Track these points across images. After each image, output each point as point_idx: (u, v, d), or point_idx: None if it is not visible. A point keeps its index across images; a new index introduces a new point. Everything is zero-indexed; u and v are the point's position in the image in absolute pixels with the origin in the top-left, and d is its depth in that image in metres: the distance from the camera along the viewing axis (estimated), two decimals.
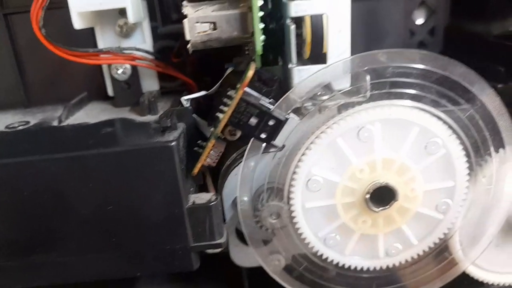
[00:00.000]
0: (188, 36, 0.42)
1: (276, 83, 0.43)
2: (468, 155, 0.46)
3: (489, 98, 0.44)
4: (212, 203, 0.46)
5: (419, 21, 0.61)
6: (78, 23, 0.49)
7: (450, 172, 0.46)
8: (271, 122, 0.42)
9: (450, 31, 0.63)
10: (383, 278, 0.51)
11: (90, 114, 0.55)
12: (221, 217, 0.47)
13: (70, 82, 0.62)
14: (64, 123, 0.52)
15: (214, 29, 0.42)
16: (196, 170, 0.45)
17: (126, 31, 0.54)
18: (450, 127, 0.45)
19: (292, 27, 0.41)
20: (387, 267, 0.50)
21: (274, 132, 0.43)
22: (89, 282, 0.61)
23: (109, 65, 0.55)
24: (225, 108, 0.42)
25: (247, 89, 0.42)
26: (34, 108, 0.60)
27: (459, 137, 0.45)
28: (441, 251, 0.50)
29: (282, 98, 0.43)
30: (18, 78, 0.60)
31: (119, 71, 0.55)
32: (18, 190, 0.44)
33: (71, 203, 0.44)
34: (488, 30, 0.58)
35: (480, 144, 0.46)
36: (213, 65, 0.56)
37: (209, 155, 0.45)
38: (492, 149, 0.46)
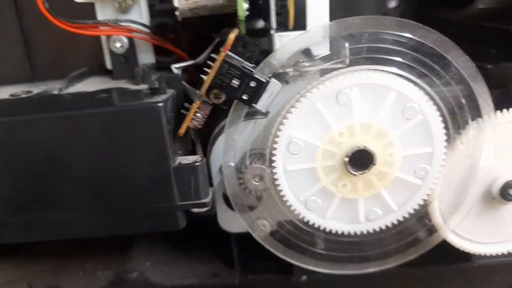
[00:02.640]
0: (176, 3, 0.45)
1: (258, 49, 0.45)
2: (445, 121, 0.48)
3: (464, 65, 0.46)
4: (198, 163, 0.48)
5: (391, 4, 0.64)
6: None
7: (428, 138, 0.48)
8: (252, 84, 0.45)
9: (419, 13, 0.66)
10: (364, 243, 0.53)
11: (90, 85, 0.58)
12: (207, 178, 0.50)
13: (75, 59, 0.65)
14: (64, 92, 0.55)
15: None
16: (182, 130, 0.47)
17: (125, 7, 0.57)
18: (427, 93, 0.47)
19: None
20: (368, 232, 0.52)
21: (255, 93, 0.45)
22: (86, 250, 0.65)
23: (108, 39, 0.58)
24: (209, 70, 0.45)
25: (230, 53, 0.44)
26: (39, 82, 0.63)
27: (435, 103, 0.47)
28: (421, 218, 0.52)
29: (263, 62, 0.45)
30: (24, 55, 0.64)
31: (117, 45, 0.58)
32: (13, 148, 0.47)
33: (63, 161, 0.47)
34: (455, 11, 0.60)
35: (456, 110, 0.48)
36: (208, 41, 0.58)
37: (195, 118, 0.47)
38: (469, 115, 0.48)
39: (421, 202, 0.50)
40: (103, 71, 0.63)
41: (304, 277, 0.60)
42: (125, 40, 0.57)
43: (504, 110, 0.50)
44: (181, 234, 0.66)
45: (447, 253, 0.57)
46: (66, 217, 0.50)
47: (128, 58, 0.59)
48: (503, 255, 0.56)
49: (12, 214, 0.50)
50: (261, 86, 0.45)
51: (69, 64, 0.65)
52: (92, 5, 0.57)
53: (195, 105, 0.46)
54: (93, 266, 0.65)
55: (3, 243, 0.52)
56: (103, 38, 0.58)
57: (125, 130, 0.47)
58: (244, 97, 0.45)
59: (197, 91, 0.46)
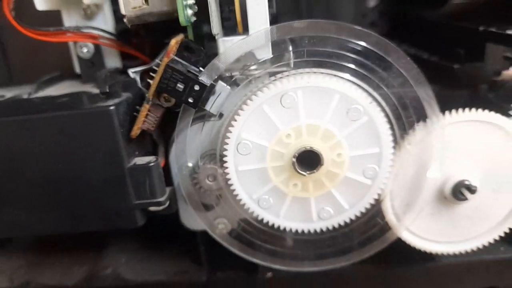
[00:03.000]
0: (123, 11, 0.47)
1: (203, 54, 0.47)
2: (390, 122, 0.48)
3: (406, 67, 0.47)
4: (152, 164, 0.50)
5: (370, 3, 0.65)
6: (40, 4, 0.55)
7: (375, 139, 0.49)
8: (196, 87, 0.46)
9: (398, 12, 0.66)
10: (319, 241, 0.54)
11: (59, 89, 0.61)
12: (162, 178, 0.52)
13: (50, 63, 0.68)
14: (32, 97, 0.58)
15: (147, 4, 0.47)
16: (133, 132, 0.49)
17: (90, 14, 0.59)
18: (370, 94, 0.48)
19: None
20: (321, 230, 0.53)
21: (199, 96, 0.47)
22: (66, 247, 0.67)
23: (75, 45, 0.60)
24: (154, 75, 0.47)
25: (174, 57, 0.46)
26: (14, 87, 0.66)
27: (379, 104, 0.48)
28: (373, 216, 0.53)
29: (208, 65, 0.47)
30: (1, 60, 0.67)
31: (84, 50, 0.60)
32: None
33: (23, 164, 0.50)
34: (433, 10, 0.61)
35: (401, 111, 0.48)
36: None
37: (147, 120, 0.49)
38: (414, 117, 0.48)
39: (372, 202, 0.51)
40: (76, 75, 0.66)
41: (270, 274, 0.61)
42: (91, 45, 0.60)
43: (453, 111, 0.50)
44: (156, 232, 0.69)
45: (410, 252, 0.57)
46: (25, 216, 0.52)
47: (95, 62, 0.61)
48: (473, 254, 0.57)
49: None
50: (204, 89, 0.46)
51: (46, 68, 0.67)
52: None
53: (144, 108, 0.48)
54: (71, 261, 0.68)
55: None
56: (71, 44, 0.61)
57: (80, 133, 0.49)
58: (190, 100, 0.47)
59: (146, 95, 0.48)
